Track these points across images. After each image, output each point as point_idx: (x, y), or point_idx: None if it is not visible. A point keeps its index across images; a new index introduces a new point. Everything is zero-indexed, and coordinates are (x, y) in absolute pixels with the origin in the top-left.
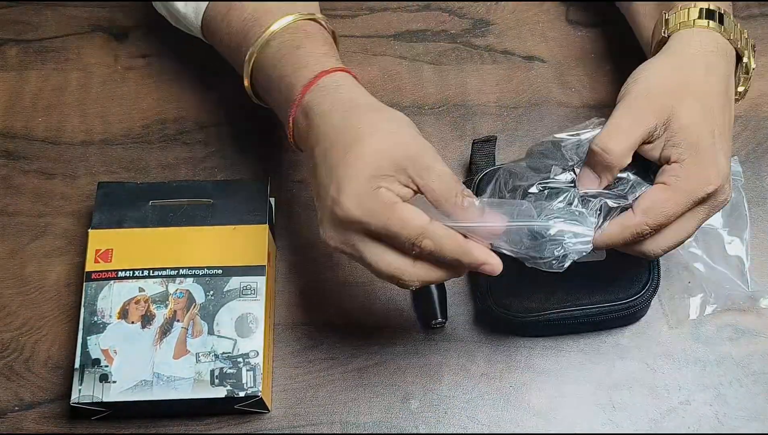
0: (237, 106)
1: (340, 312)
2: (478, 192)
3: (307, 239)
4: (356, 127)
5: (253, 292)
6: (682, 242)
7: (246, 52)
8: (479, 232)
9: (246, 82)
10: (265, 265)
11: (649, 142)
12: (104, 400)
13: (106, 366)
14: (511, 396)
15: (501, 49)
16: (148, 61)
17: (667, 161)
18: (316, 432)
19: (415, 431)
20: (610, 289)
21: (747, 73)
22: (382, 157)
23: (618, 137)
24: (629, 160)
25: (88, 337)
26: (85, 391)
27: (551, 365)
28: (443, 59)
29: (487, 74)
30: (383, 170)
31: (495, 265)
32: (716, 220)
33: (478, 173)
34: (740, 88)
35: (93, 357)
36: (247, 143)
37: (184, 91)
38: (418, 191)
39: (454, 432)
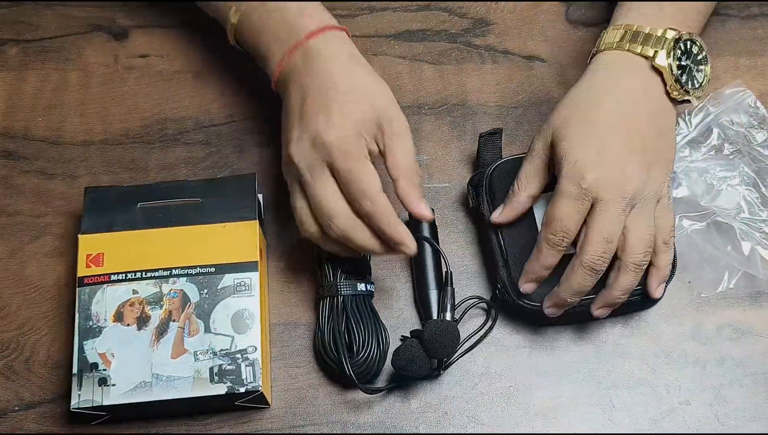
0: (237, 106)
1: None
2: (490, 183)
3: (307, 239)
4: (354, 75)
5: (247, 288)
6: (642, 242)
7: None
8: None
9: (231, 39)
10: (257, 261)
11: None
12: (104, 403)
13: (104, 369)
14: (511, 396)
15: (501, 49)
16: (148, 61)
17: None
18: (316, 432)
19: (415, 431)
20: None
21: (664, 71)
22: (369, 111)
23: (523, 187)
24: (534, 191)
25: (85, 342)
26: (84, 396)
27: (551, 365)
28: (443, 59)
29: (487, 74)
30: (367, 124)
31: (411, 248)
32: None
33: (489, 166)
34: (674, 95)
35: (90, 361)
36: (247, 143)
37: (184, 91)
38: (381, 153)
39: (454, 432)
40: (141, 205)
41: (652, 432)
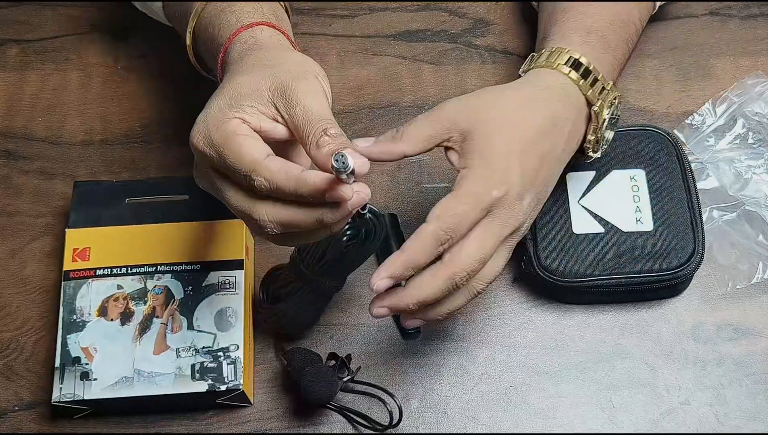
0: None
1: (340, 312)
2: None
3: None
4: (243, 63)
5: (231, 286)
6: (493, 271)
7: (188, 21)
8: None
9: (191, 57)
10: (243, 259)
11: (448, 150)
12: (85, 397)
13: (87, 364)
14: (511, 396)
15: (501, 49)
16: (148, 61)
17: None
18: (316, 432)
19: (415, 431)
20: (656, 259)
21: (598, 122)
22: (245, 86)
23: (415, 128)
24: (413, 150)
25: (68, 336)
26: (66, 389)
27: (551, 365)
28: (443, 59)
29: (487, 74)
30: (242, 99)
31: (343, 193)
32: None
33: None
34: (590, 137)
35: (73, 355)
36: None
37: (183, 92)
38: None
39: (454, 432)
40: (129, 200)
41: (652, 432)
